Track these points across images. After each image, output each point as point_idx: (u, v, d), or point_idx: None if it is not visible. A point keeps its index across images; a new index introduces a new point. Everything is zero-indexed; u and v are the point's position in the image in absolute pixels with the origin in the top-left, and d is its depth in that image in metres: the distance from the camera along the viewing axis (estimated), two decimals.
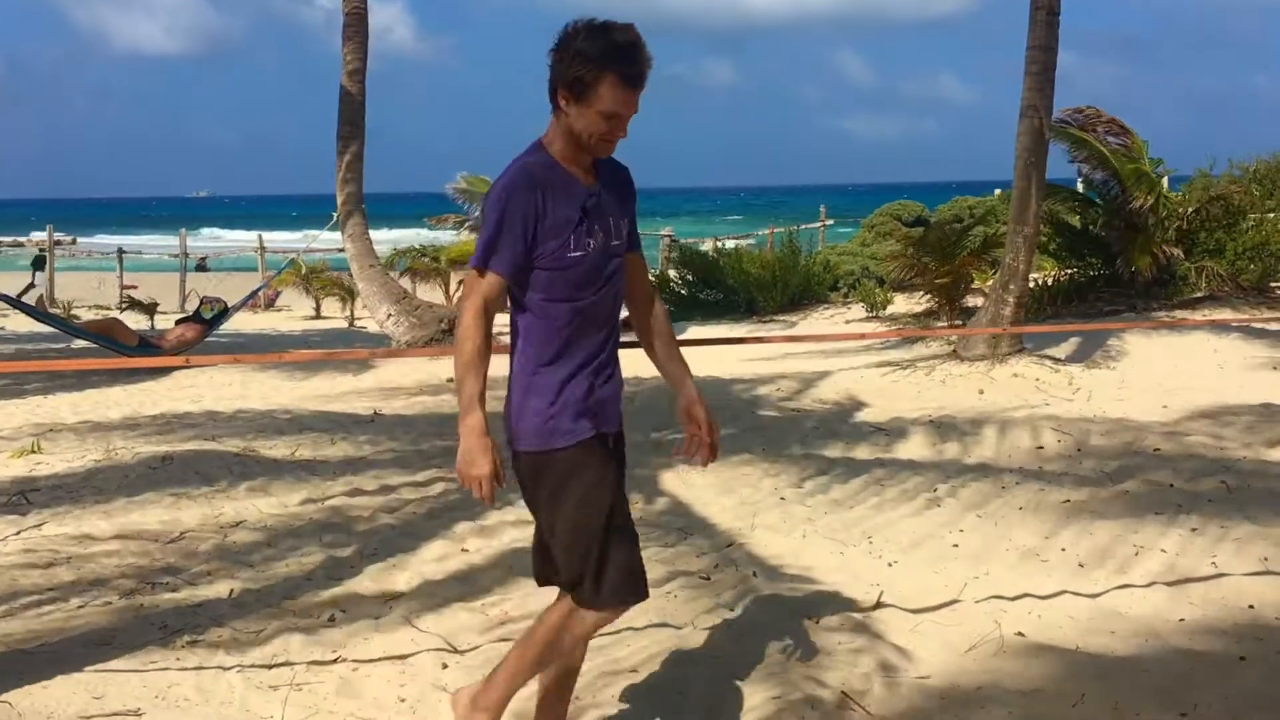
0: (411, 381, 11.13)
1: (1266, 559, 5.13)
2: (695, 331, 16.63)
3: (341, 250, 24.47)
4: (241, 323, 19.77)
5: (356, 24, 14.00)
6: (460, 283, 24.89)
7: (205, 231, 67.80)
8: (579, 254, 3.05)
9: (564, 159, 3.07)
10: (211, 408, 9.89)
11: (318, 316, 24.07)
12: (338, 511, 6.35)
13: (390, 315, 13.47)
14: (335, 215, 14.20)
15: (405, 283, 20.72)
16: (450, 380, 10.89)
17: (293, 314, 24.91)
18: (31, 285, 22.69)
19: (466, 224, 25.26)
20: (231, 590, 5.05)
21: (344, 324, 21.78)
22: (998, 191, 22.92)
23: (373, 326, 20.23)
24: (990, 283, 12.15)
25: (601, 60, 2.92)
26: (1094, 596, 4.79)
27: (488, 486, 3.07)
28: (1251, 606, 4.63)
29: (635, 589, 3.21)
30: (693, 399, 3.37)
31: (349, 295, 21.80)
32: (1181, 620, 4.54)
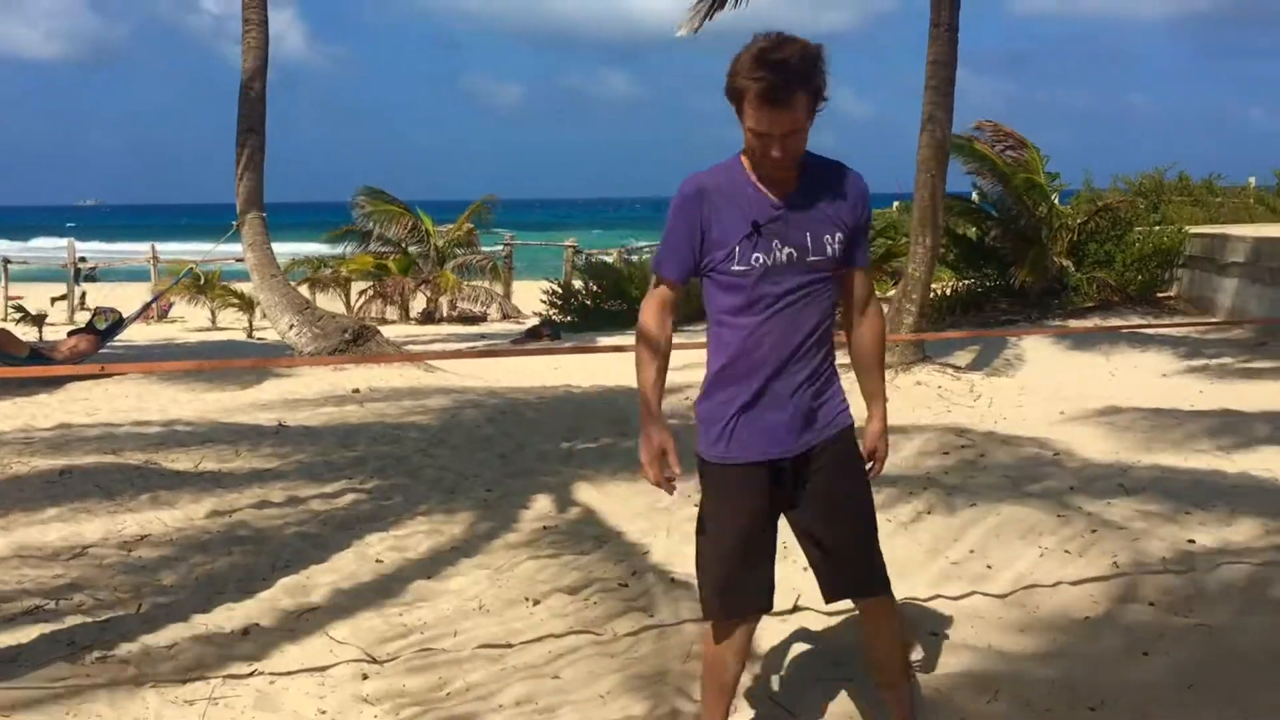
0: (314, 393, 10.96)
1: (1165, 559, 5.30)
2: (603, 343, 16.65)
3: (239, 260, 24.22)
4: (136, 334, 19.28)
5: (256, 28, 13.77)
6: (361, 293, 24.66)
7: (92, 241, 65.94)
8: (743, 268, 3.03)
9: (753, 170, 3.06)
10: (108, 420, 9.62)
11: (213, 328, 23.61)
12: (246, 524, 6.24)
13: (293, 326, 13.25)
14: (235, 224, 13.95)
15: (303, 292, 20.44)
16: (355, 390, 10.80)
17: (187, 325, 24.39)
18: None
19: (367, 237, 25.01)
20: (140, 605, 4.94)
21: (241, 335, 21.40)
22: (896, 204, 23.40)
23: (272, 337, 19.92)
24: (892, 293, 12.38)
25: (743, 74, 2.90)
26: (1002, 597, 4.91)
27: (652, 474, 3.12)
28: (1152, 604, 4.79)
29: (728, 607, 3.31)
30: (875, 433, 3.37)
31: (247, 306, 21.43)
32: (1087, 618, 4.67)
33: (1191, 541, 5.51)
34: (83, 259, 29.28)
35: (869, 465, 3.35)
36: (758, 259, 3.05)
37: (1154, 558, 5.30)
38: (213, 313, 24.13)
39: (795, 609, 4.81)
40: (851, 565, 3.32)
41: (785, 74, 2.88)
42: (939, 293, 14.24)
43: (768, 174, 3.06)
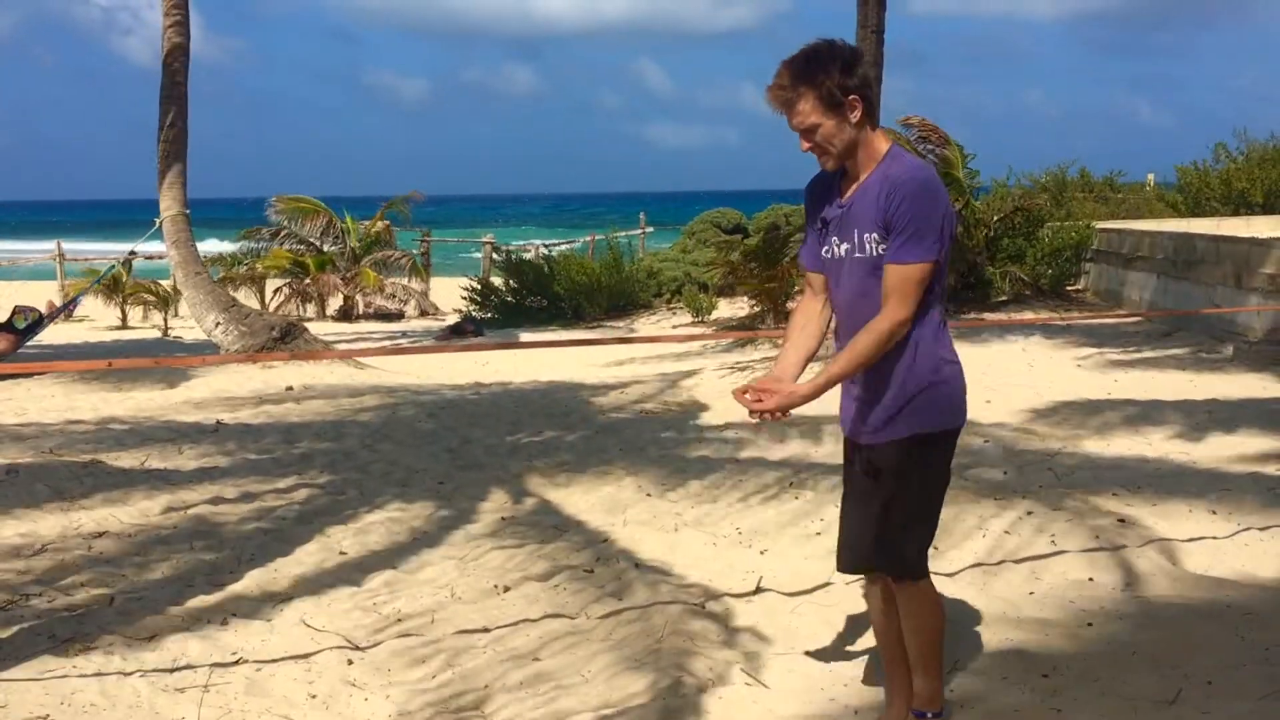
0: (248, 391, 10.91)
1: (1097, 537, 5.61)
2: (526, 339, 16.75)
3: (149, 258, 23.79)
4: (46, 334, 18.86)
5: (177, 23, 13.61)
6: (276, 291, 24.37)
7: None
8: (828, 255, 3.39)
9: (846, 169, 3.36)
10: (39, 420, 9.50)
11: (124, 326, 23.17)
12: (203, 520, 6.28)
13: (218, 324, 13.13)
14: (158, 221, 13.76)
15: None
16: (289, 388, 10.78)
17: (96, 324, 23.87)
18: None
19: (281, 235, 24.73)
20: (112, 599, 4.98)
21: (156, 333, 21.04)
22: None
23: (188, 335, 19.66)
24: None
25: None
26: (951, 575, 5.16)
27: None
28: (1091, 579, 5.08)
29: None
30: (791, 377, 3.45)
31: (162, 304, 21.10)
32: (1031, 593, 4.95)
33: (1121, 521, 5.83)
34: None
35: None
36: (827, 252, 3.40)
37: (1088, 537, 5.60)
38: (123, 311, 23.67)
39: (758, 590, 5.02)
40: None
41: (785, 75, 3.20)
42: None
43: (850, 171, 3.35)
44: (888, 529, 3.44)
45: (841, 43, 3.26)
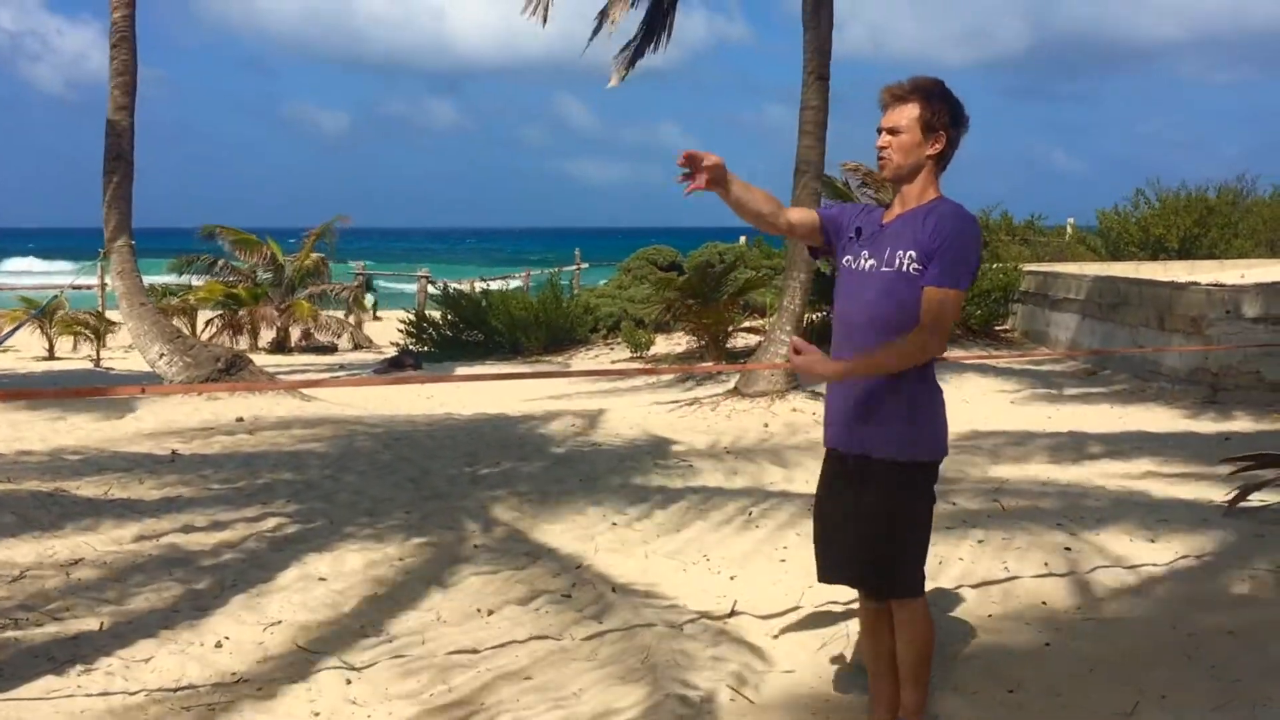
0: (198, 421, 10.92)
1: (1047, 563, 5.90)
2: (464, 373, 16.86)
3: (77, 288, 23.49)
4: None
5: (124, 52, 13.61)
6: (208, 322, 24.18)
7: None
8: (850, 264, 3.69)
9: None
10: None
11: (51, 357, 22.82)
12: (177, 548, 6.35)
13: (163, 355, 13.09)
14: (102, 251, 13.73)
15: None
16: (240, 419, 10.81)
17: (22, 355, 23.49)
18: None
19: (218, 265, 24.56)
20: (101, 624, 5.06)
21: (87, 364, 20.77)
22: (742, 239, 24.23)
23: (120, 366, 19.46)
24: (767, 323, 13.00)
25: None
26: None
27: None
28: (1045, 603, 5.37)
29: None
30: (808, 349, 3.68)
31: (95, 335, 20.86)
32: (990, 616, 5.22)
33: (1068, 549, 6.14)
34: None
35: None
36: (851, 261, 3.72)
37: (1038, 563, 5.91)
38: (50, 341, 23.31)
39: (734, 613, 5.24)
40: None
41: (909, 84, 3.62)
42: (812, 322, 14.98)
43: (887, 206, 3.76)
44: (887, 553, 3.66)
45: (964, 106, 3.64)
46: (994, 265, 17.16)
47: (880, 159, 3.65)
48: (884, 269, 3.56)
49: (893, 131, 3.58)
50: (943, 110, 3.57)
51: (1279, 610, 5.11)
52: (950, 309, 3.51)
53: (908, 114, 3.57)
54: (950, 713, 4.18)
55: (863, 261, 3.63)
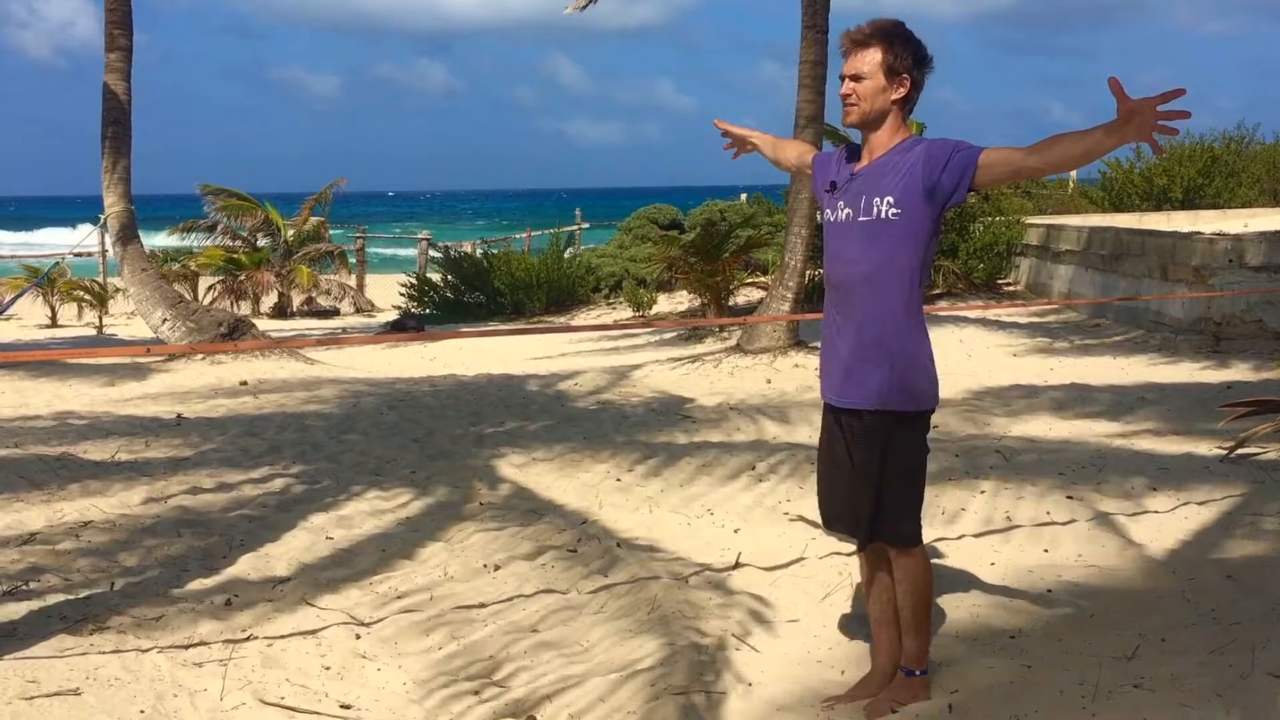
0: (202, 385, 10.97)
1: (1049, 512, 5.96)
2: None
3: (78, 255, 23.48)
4: None
5: (120, 16, 13.55)
6: (210, 288, 24.18)
7: None
8: (830, 218, 3.70)
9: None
10: None
11: (53, 324, 22.87)
12: (186, 509, 6.40)
13: (166, 320, 13.13)
14: (102, 217, 13.73)
15: None
16: (243, 383, 10.85)
17: (25, 323, 23.54)
18: None
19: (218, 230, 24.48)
20: (113, 584, 5.11)
21: (90, 331, 20.82)
22: (743, 195, 24.17)
23: (124, 332, 19.52)
24: (770, 279, 13.01)
25: None
26: None
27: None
28: (1046, 550, 5.42)
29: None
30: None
31: (97, 301, 20.89)
32: (993, 564, 5.27)
33: (1070, 498, 6.18)
34: None
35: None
36: (830, 215, 3.75)
37: (1040, 512, 5.95)
38: (53, 308, 23.35)
39: (738, 565, 5.29)
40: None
41: (869, 27, 3.58)
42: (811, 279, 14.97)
43: (858, 150, 3.73)
44: (886, 505, 3.68)
45: (926, 46, 3.60)
46: (996, 218, 17.12)
47: (846, 106, 3.62)
48: (861, 218, 3.56)
49: (856, 78, 3.55)
50: (905, 53, 3.53)
51: (1278, 555, 5.15)
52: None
53: (870, 59, 3.53)
54: (952, 659, 4.23)
55: (840, 213, 3.63)
